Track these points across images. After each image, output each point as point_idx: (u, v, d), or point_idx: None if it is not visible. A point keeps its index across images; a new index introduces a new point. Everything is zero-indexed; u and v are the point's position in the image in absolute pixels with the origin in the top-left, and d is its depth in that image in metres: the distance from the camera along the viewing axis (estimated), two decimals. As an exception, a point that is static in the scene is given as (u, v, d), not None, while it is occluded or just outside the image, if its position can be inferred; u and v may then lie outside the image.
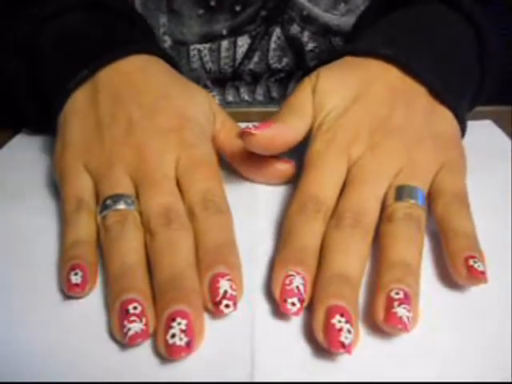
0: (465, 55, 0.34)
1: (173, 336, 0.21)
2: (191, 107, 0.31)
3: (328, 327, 0.21)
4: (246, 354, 0.22)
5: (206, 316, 0.23)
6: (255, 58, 0.44)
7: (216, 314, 0.23)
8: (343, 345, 0.20)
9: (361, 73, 0.31)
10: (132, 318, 0.21)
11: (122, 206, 0.26)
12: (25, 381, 0.21)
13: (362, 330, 0.22)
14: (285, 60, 0.45)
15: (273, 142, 0.28)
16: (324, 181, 0.27)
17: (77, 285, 0.23)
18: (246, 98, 0.48)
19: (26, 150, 0.37)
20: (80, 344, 0.22)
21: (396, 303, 0.21)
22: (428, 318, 0.23)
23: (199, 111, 0.31)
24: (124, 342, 0.21)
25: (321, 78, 0.31)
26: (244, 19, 0.42)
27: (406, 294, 0.22)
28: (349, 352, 0.20)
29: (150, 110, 0.30)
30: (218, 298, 0.22)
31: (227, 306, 0.22)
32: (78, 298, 0.24)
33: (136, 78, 0.31)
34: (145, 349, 0.22)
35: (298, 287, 0.22)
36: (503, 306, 0.24)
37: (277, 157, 0.31)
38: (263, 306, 0.24)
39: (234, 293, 0.23)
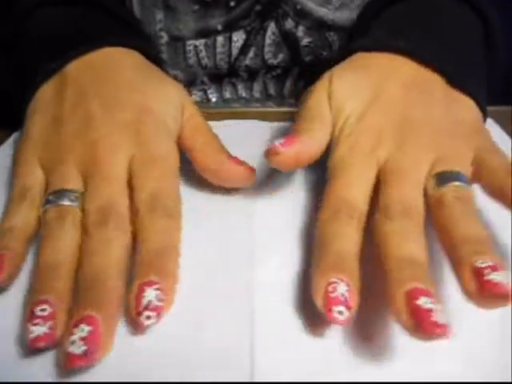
0: (475, 45, 0.34)
1: (72, 343, 0.20)
2: (156, 101, 0.30)
3: (415, 309, 0.19)
4: (245, 354, 0.22)
5: (205, 316, 0.23)
6: (251, 54, 0.45)
7: (137, 326, 0.22)
8: (437, 324, 0.19)
9: (374, 71, 0.30)
10: (36, 321, 0.20)
11: (64, 201, 0.25)
12: None
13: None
14: (280, 55, 0.45)
15: (298, 159, 0.27)
16: (354, 185, 0.26)
17: None
18: (244, 94, 0.48)
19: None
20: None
21: (487, 271, 0.20)
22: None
23: (165, 105, 0.30)
24: (27, 343, 0.20)
25: (334, 82, 0.30)
26: (238, 14, 0.43)
27: (492, 261, 0.20)
28: (446, 334, 0.19)
29: (110, 104, 0.29)
30: (139, 309, 0.21)
31: (148, 317, 0.21)
32: None
33: (103, 71, 0.31)
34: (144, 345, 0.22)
35: (343, 294, 0.21)
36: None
37: (238, 161, 0.30)
38: (263, 305, 0.24)
39: (159, 304, 0.21)
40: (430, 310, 0.19)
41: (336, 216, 0.24)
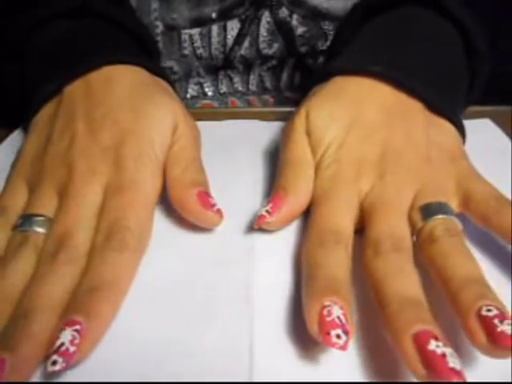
0: (454, 59, 0.34)
1: None
2: (145, 122, 0.29)
3: (428, 356, 0.19)
4: (244, 354, 0.21)
5: (205, 317, 0.23)
6: (246, 44, 0.45)
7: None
8: (455, 371, 0.18)
9: (351, 97, 0.30)
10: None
11: (32, 227, 0.25)
12: None
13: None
14: (275, 45, 0.45)
15: (288, 220, 0.28)
16: (337, 212, 0.26)
17: None
18: (240, 88, 0.48)
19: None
20: None
21: (496, 321, 0.19)
22: None
23: (152, 126, 0.29)
24: None
25: (311, 116, 0.30)
26: (233, 2, 0.43)
27: (499, 310, 0.20)
28: (462, 378, 0.18)
29: (95, 126, 0.29)
30: (50, 351, 0.20)
31: (54, 362, 0.20)
32: None
33: (97, 91, 0.30)
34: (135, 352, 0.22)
35: (339, 317, 0.20)
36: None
37: (206, 201, 0.27)
38: (262, 306, 0.24)
39: (71, 348, 0.20)
40: (444, 356, 0.18)
41: (322, 243, 0.24)
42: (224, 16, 0.44)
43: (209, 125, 0.33)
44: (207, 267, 0.26)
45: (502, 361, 0.19)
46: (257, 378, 0.20)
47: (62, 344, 0.20)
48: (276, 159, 0.32)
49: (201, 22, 0.44)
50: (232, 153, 0.31)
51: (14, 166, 0.30)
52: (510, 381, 0.20)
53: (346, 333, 0.20)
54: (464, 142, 0.31)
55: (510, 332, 0.19)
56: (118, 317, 0.23)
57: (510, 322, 0.19)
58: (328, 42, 0.46)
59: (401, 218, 0.25)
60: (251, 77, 0.47)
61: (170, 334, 0.22)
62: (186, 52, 0.45)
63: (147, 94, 0.31)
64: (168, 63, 0.46)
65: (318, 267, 0.23)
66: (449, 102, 0.30)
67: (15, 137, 0.37)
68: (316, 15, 0.44)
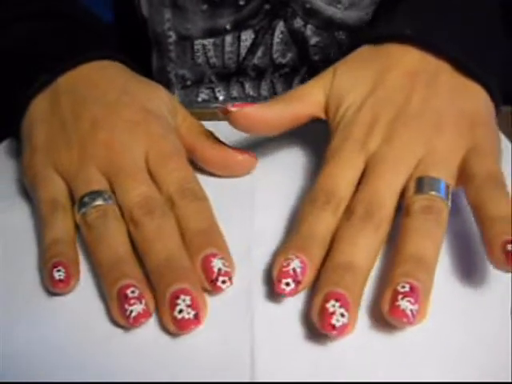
0: (490, 25, 0.33)
1: (180, 311, 0.22)
2: (153, 101, 0.32)
3: (322, 310, 0.21)
4: (245, 355, 0.22)
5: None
6: (259, 53, 0.45)
7: (214, 291, 0.24)
8: (334, 327, 0.21)
9: (378, 62, 0.30)
10: (132, 301, 0.22)
11: (100, 201, 0.26)
12: (28, 380, 0.21)
13: (368, 322, 0.23)
14: (289, 55, 0.45)
15: (252, 122, 0.29)
16: (338, 174, 0.26)
17: (61, 281, 0.24)
18: (251, 93, 0.48)
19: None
20: (79, 337, 0.23)
21: (400, 296, 0.21)
22: (437, 315, 0.23)
23: (161, 105, 0.32)
24: (128, 324, 0.22)
25: (337, 77, 0.31)
26: (247, 13, 0.42)
27: (412, 288, 0.21)
28: (340, 334, 0.21)
29: (114, 106, 0.30)
30: (214, 276, 0.23)
31: (224, 281, 0.23)
32: (63, 294, 0.24)
33: (96, 78, 0.32)
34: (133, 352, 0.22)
35: (294, 269, 0.23)
36: (504, 307, 0.23)
37: (238, 149, 0.32)
38: (262, 307, 0.24)
39: (228, 269, 0.24)
40: (333, 313, 0.21)
41: (314, 200, 0.26)
42: (238, 27, 0.43)
43: (209, 125, 0.34)
44: None
45: (502, 360, 0.21)
46: (258, 378, 0.21)
47: (220, 269, 0.24)
48: (277, 159, 0.33)
49: (215, 32, 0.43)
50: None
51: (33, 159, 0.29)
52: (510, 381, 0.21)
53: (297, 283, 0.23)
54: (498, 105, 0.30)
55: (402, 307, 0.21)
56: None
57: (411, 299, 0.21)
58: (342, 51, 0.45)
59: (389, 186, 0.25)
60: (263, 83, 0.47)
61: (169, 334, 0.23)
62: (199, 61, 0.45)
63: (142, 79, 0.33)
64: (180, 71, 0.45)
65: (300, 223, 0.25)
66: (482, 64, 0.29)
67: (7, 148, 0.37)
68: (330, 25, 0.44)
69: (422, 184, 0.25)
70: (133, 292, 0.23)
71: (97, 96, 0.30)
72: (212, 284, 0.23)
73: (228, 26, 0.43)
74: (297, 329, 0.23)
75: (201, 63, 0.45)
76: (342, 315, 0.21)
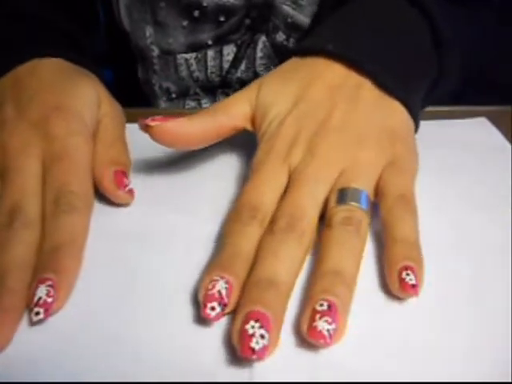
0: (418, 47, 0.32)
1: None
2: (69, 98, 0.31)
3: (241, 333, 0.20)
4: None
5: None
6: (242, 67, 0.45)
7: (30, 322, 0.23)
8: (253, 350, 0.20)
9: (301, 75, 0.30)
10: None
11: None
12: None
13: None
14: (272, 68, 0.45)
15: (172, 136, 0.28)
16: (261, 188, 0.26)
17: None
18: None
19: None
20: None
21: (318, 316, 0.21)
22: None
23: (78, 101, 0.31)
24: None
25: (262, 88, 0.30)
26: (228, 28, 0.42)
27: (330, 306, 0.21)
28: (260, 357, 0.20)
29: (24, 106, 0.30)
30: (31, 305, 0.22)
31: (37, 313, 0.22)
32: None
33: (23, 79, 0.32)
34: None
35: (219, 291, 0.22)
36: (504, 307, 0.23)
37: (122, 181, 0.29)
38: None
39: (49, 300, 0.22)
40: (252, 335, 0.20)
41: (237, 218, 0.25)
42: (220, 41, 0.43)
43: None
44: (205, 265, 0.26)
45: (502, 360, 0.21)
46: (257, 377, 0.21)
47: (40, 298, 0.22)
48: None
49: (196, 47, 0.43)
50: (224, 153, 0.31)
51: None
52: (509, 381, 0.20)
53: (223, 305, 0.22)
54: (416, 127, 0.31)
55: (320, 328, 0.20)
56: (116, 317, 0.23)
57: (328, 318, 0.21)
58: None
59: (310, 198, 0.25)
60: None
61: (168, 334, 0.23)
62: (183, 75, 0.45)
63: (70, 76, 0.33)
64: (165, 84, 0.46)
65: (225, 241, 0.25)
66: (404, 83, 0.30)
67: None
68: (314, 39, 0.43)
69: (342, 195, 0.25)
70: None
71: (15, 96, 0.31)
72: (29, 313, 0.22)
73: (209, 41, 0.43)
74: (295, 330, 0.22)
75: (184, 77, 0.45)
76: (262, 337, 0.20)
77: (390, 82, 0.29)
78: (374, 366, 0.21)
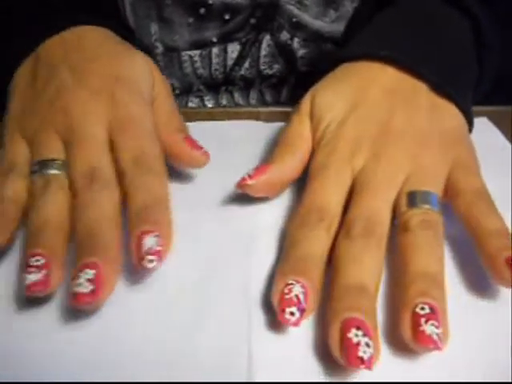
0: (463, 48, 0.33)
1: (78, 285, 0.21)
2: (127, 68, 0.31)
3: (344, 342, 0.20)
4: (243, 354, 0.22)
5: (203, 316, 0.23)
6: (246, 65, 0.45)
7: (140, 269, 0.23)
8: (362, 360, 0.19)
9: (356, 79, 0.30)
10: (31, 270, 0.22)
11: (48, 170, 0.27)
12: None
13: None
14: (276, 66, 0.45)
15: (270, 187, 0.28)
16: (327, 191, 0.26)
17: None
18: (240, 102, 0.48)
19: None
20: None
21: (423, 320, 0.20)
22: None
23: (136, 72, 0.31)
24: (23, 292, 0.22)
25: (316, 98, 0.30)
26: (233, 27, 0.42)
27: (432, 309, 0.21)
28: (369, 367, 0.19)
29: (81, 73, 0.30)
30: (141, 254, 0.23)
31: (151, 261, 0.23)
32: None
33: (74, 46, 0.32)
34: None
35: (297, 296, 0.21)
36: (504, 306, 0.24)
37: (194, 143, 0.30)
38: (260, 306, 0.24)
39: (159, 248, 0.23)
40: (358, 344, 0.20)
41: (306, 219, 0.25)
42: (224, 39, 0.43)
43: (207, 125, 0.34)
44: (205, 265, 0.26)
45: (502, 360, 0.21)
46: (256, 378, 0.21)
47: (150, 247, 0.23)
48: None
49: (201, 44, 0.43)
50: (230, 153, 0.31)
51: (5, 124, 0.30)
52: (509, 381, 0.20)
53: (301, 310, 0.21)
54: (471, 129, 0.31)
55: (428, 333, 0.20)
56: (115, 317, 0.24)
57: (435, 322, 0.20)
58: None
59: (384, 202, 0.25)
60: (251, 92, 0.48)
61: (166, 333, 0.23)
62: (187, 72, 0.45)
63: (123, 47, 0.33)
64: (168, 81, 0.46)
65: (295, 245, 0.24)
66: (455, 86, 0.30)
67: None
68: (317, 38, 0.44)
69: (414, 198, 0.25)
70: (37, 261, 0.22)
71: (68, 63, 0.31)
72: (139, 263, 0.23)
73: (214, 39, 0.43)
74: (294, 333, 0.23)
75: (188, 74, 0.45)
76: (368, 345, 0.20)
77: (445, 85, 0.29)
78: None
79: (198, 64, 0.45)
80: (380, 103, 0.29)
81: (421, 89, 0.30)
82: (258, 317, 0.23)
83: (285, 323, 0.21)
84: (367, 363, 0.19)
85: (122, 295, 0.24)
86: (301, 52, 0.44)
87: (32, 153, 0.28)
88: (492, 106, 0.40)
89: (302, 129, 0.30)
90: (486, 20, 0.33)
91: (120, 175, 0.27)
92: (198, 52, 0.44)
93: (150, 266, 0.23)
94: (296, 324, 0.21)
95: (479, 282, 0.25)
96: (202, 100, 0.48)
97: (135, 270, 0.24)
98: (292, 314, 0.21)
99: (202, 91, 0.47)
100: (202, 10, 0.41)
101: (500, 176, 0.32)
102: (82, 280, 0.21)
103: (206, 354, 0.22)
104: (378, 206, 0.25)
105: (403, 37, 0.32)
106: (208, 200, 0.30)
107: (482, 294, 0.25)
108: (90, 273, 0.22)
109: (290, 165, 0.29)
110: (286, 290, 0.22)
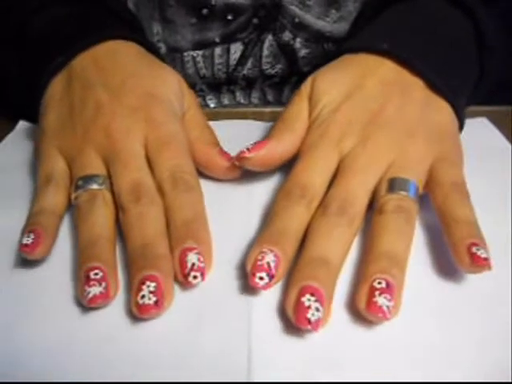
0: (463, 48, 0.34)
1: (143, 297, 0.23)
2: (160, 86, 0.32)
3: (297, 304, 0.22)
4: (242, 354, 0.22)
5: (202, 318, 0.24)
6: (248, 64, 0.45)
7: (185, 286, 0.25)
8: (309, 321, 0.21)
9: (355, 69, 0.32)
10: (92, 283, 0.23)
11: (92, 185, 0.28)
12: None
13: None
14: (278, 66, 0.46)
15: (268, 161, 0.30)
16: (312, 169, 0.27)
17: (26, 245, 0.25)
18: (242, 101, 0.49)
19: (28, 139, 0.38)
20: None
21: (377, 292, 0.22)
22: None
23: (168, 90, 0.32)
24: (84, 304, 0.23)
25: (316, 82, 0.32)
26: (236, 27, 0.43)
27: (388, 284, 0.22)
28: (315, 329, 0.21)
29: (117, 91, 0.31)
30: (186, 271, 0.24)
31: (195, 277, 0.24)
32: (30, 259, 0.25)
33: (105, 61, 0.32)
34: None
35: (268, 263, 0.23)
36: (502, 304, 0.24)
37: (227, 155, 0.31)
38: (260, 306, 0.24)
39: (201, 265, 0.24)
40: (309, 307, 0.22)
41: (289, 195, 0.26)
42: (227, 39, 0.43)
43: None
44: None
45: (502, 359, 0.22)
46: (255, 378, 0.21)
47: (193, 264, 0.24)
48: None
49: (204, 45, 0.44)
50: (231, 153, 0.30)
51: (41, 139, 0.31)
52: (509, 381, 0.21)
53: (271, 276, 0.23)
54: (461, 127, 0.32)
55: (379, 304, 0.22)
56: (114, 317, 0.24)
57: (387, 295, 0.22)
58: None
59: (361, 185, 0.27)
60: (253, 91, 0.48)
61: (166, 333, 0.23)
62: (190, 72, 0.45)
63: (153, 62, 0.34)
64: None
65: (275, 218, 0.26)
66: (452, 85, 0.31)
67: (16, 135, 0.38)
68: (319, 38, 0.44)
69: (393, 184, 0.26)
70: (96, 274, 0.24)
71: (103, 80, 0.31)
72: (183, 278, 0.24)
73: (217, 39, 0.43)
74: (295, 328, 0.23)
75: (191, 74, 0.45)
76: (317, 309, 0.22)
77: (440, 83, 0.30)
78: (374, 366, 0.22)
79: (201, 64, 0.45)
80: (375, 93, 0.30)
81: (417, 83, 0.31)
82: (258, 317, 0.24)
83: (254, 286, 0.23)
84: (314, 325, 0.21)
85: (122, 295, 0.25)
86: (303, 52, 0.45)
87: (73, 168, 0.29)
88: (492, 106, 0.40)
89: (300, 108, 0.31)
90: (489, 22, 0.34)
91: (159, 192, 0.27)
92: (200, 52, 0.44)
93: (194, 282, 0.24)
94: (264, 288, 0.23)
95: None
96: (204, 99, 0.48)
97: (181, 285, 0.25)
98: (261, 278, 0.23)
99: (204, 91, 0.47)
100: (205, 11, 0.41)
101: (500, 176, 0.32)
102: (145, 292, 0.23)
103: (205, 354, 0.22)
104: (355, 188, 0.26)
105: (404, 33, 0.33)
106: (208, 200, 0.30)
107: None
108: (151, 285, 0.23)
109: (287, 141, 0.30)
110: (260, 257, 0.24)
